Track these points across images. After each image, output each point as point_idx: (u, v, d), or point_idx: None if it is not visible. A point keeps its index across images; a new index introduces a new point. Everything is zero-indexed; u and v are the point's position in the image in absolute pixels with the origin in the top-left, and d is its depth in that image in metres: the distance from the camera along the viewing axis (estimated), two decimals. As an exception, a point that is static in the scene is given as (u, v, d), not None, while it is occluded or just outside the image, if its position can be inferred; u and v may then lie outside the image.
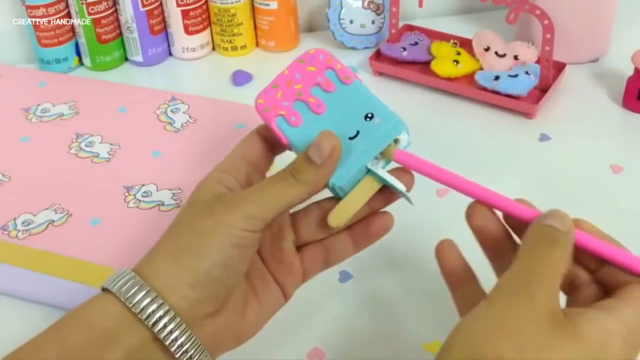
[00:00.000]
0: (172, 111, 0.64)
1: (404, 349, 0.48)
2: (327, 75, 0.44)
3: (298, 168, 0.41)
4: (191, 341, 0.38)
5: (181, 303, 0.38)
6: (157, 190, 0.56)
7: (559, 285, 0.36)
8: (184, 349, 0.38)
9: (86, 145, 0.60)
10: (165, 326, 0.38)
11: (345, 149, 0.42)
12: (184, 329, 0.38)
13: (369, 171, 0.42)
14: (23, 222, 0.53)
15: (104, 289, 0.39)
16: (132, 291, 0.38)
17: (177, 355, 0.38)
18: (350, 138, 0.42)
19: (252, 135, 0.46)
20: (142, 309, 0.37)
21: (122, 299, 0.38)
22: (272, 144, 0.45)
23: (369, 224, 0.45)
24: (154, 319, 0.37)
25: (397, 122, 0.42)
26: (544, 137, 0.66)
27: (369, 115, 0.43)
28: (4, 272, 0.51)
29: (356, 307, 0.51)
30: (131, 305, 0.38)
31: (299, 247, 0.45)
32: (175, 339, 0.38)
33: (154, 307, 0.38)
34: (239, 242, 0.39)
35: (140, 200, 0.55)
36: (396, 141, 0.43)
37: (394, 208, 0.44)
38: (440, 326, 0.49)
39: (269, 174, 0.45)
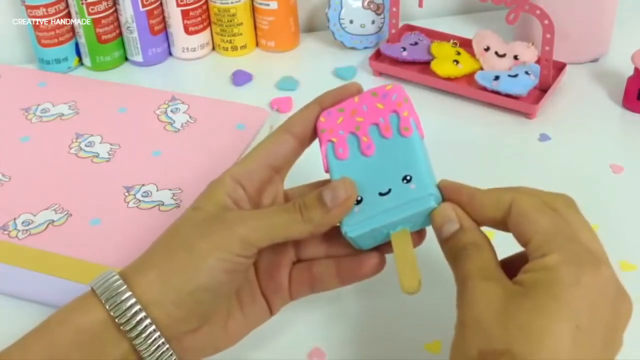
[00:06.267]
0: (172, 111, 0.64)
1: (404, 349, 0.48)
2: (390, 120, 0.43)
3: (308, 205, 0.41)
4: (167, 355, 0.39)
5: (164, 318, 0.38)
6: (157, 190, 0.56)
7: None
8: None
9: (86, 145, 0.60)
10: (145, 340, 0.38)
11: (371, 203, 0.41)
12: (162, 343, 0.39)
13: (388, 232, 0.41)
14: (23, 222, 0.53)
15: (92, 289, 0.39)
16: (119, 301, 0.38)
17: None
18: (381, 194, 0.41)
19: (281, 134, 0.44)
20: (127, 320, 0.38)
21: (108, 307, 0.38)
22: (303, 140, 0.44)
23: (360, 264, 0.43)
24: (136, 332, 0.38)
25: (429, 195, 0.40)
26: (544, 137, 0.66)
27: (408, 177, 0.41)
28: (4, 272, 0.51)
29: (356, 307, 0.51)
30: (116, 315, 0.38)
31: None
32: (153, 353, 0.38)
33: (137, 319, 0.38)
34: (231, 267, 0.39)
35: (140, 200, 0.55)
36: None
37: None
38: (440, 326, 0.49)
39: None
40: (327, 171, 0.44)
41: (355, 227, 0.41)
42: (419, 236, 0.43)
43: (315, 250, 0.45)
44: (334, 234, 0.43)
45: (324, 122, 0.44)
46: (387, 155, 0.42)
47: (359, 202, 0.42)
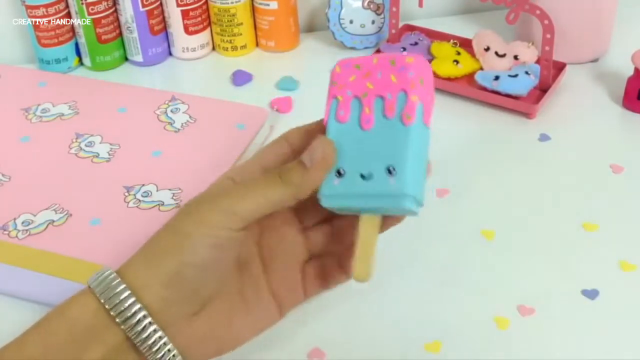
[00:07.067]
0: (172, 111, 0.64)
1: (404, 349, 0.48)
2: (397, 98, 0.40)
3: (288, 168, 0.41)
4: (162, 342, 0.38)
5: (156, 302, 0.38)
6: (157, 190, 0.56)
7: None
8: (153, 349, 0.38)
9: (86, 145, 0.60)
10: (136, 325, 0.38)
11: (351, 181, 0.40)
12: (154, 329, 0.38)
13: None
14: (23, 222, 0.53)
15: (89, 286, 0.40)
16: (108, 289, 0.38)
17: (147, 356, 0.38)
18: (362, 176, 0.40)
19: (279, 140, 0.44)
20: (115, 306, 0.38)
21: (99, 296, 0.38)
22: (298, 152, 0.44)
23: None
24: (124, 317, 0.38)
25: (405, 196, 0.39)
26: (544, 137, 0.66)
27: (392, 169, 0.39)
28: (4, 272, 0.51)
29: (356, 307, 0.51)
30: (106, 303, 0.38)
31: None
32: (146, 339, 0.38)
33: (126, 305, 0.38)
34: (217, 241, 0.39)
35: (140, 200, 0.55)
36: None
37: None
38: (440, 326, 0.49)
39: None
40: (325, 125, 0.43)
41: (329, 199, 0.41)
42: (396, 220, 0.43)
43: (326, 244, 0.45)
44: (342, 229, 0.44)
45: (339, 73, 0.42)
46: (382, 136, 0.40)
47: (341, 174, 0.41)
